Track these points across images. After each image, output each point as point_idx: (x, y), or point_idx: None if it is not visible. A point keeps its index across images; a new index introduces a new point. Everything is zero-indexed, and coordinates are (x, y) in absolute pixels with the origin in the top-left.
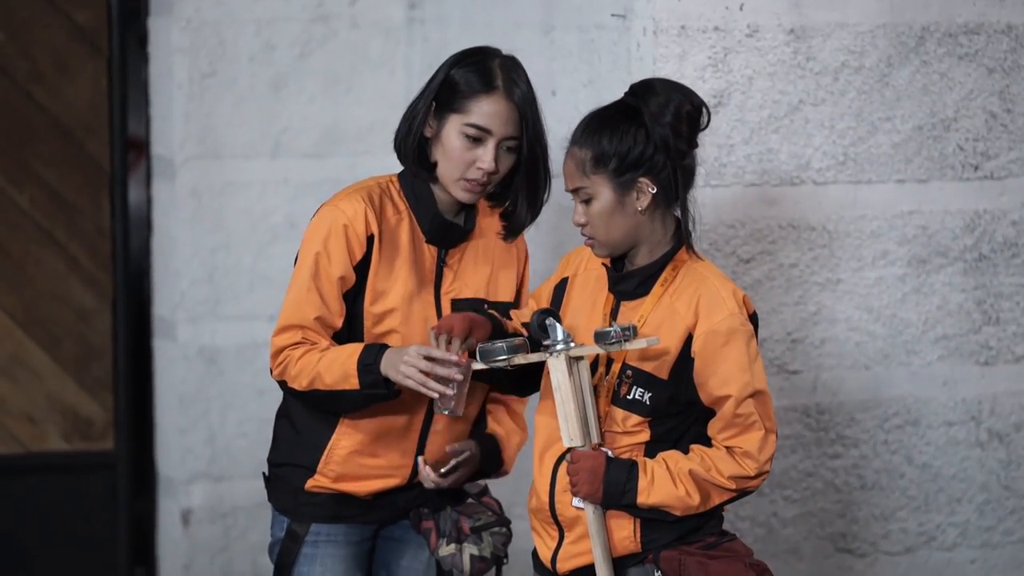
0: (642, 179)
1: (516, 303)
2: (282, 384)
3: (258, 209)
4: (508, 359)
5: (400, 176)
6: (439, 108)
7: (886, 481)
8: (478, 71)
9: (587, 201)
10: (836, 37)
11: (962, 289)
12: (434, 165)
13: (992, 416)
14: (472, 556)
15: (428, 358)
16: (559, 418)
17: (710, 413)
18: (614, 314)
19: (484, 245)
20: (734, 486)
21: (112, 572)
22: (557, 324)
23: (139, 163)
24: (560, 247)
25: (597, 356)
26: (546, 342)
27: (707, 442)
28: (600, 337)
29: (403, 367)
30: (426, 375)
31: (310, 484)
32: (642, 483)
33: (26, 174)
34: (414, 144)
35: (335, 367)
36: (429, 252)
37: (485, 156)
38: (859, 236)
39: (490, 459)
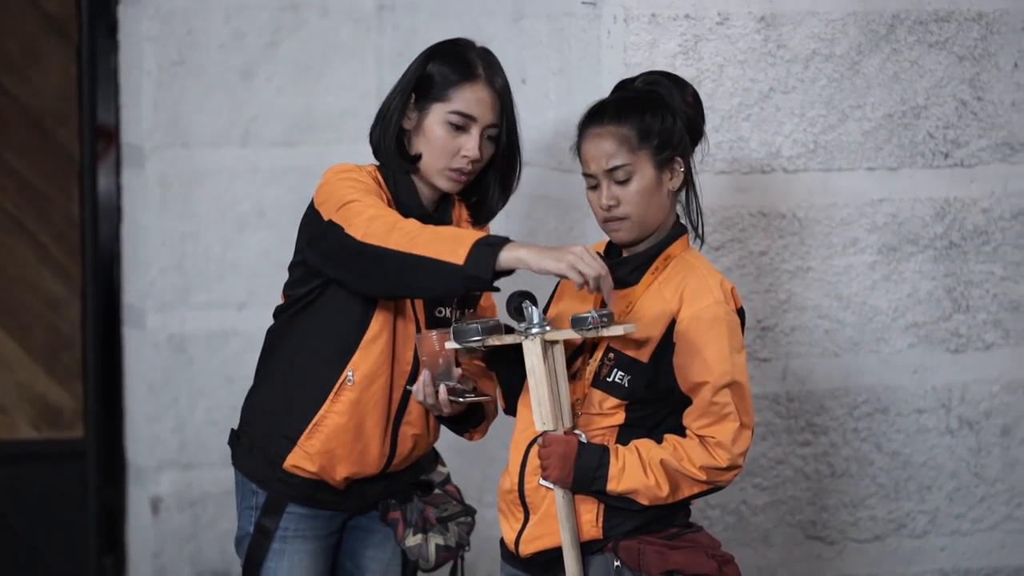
0: (677, 158)
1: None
2: (330, 226)
3: (227, 198)
4: (482, 340)
5: (380, 168)
6: (419, 99)
7: (856, 469)
8: (458, 61)
9: (624, 181)
10: (806, 25)
11: (932, 277)
12: (417, 157)
13: (962, 404)
14: (437, 546)
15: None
16: (532, 401)
17: (687, 403)
18: (604, 302)
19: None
20: (705, 477)
21: (81, 560)
22: (533, 307)
23: (108, 152)
24: (531, 236)
25: (584, 339)
26: (522, 325)
27: (683, 433)
28: (577, 323)
29: (575, 259)
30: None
31: (289, 463)
32: (612, 470)
33: None
34: (394, 136)
35: (442, 234)
36: None
37: (469, 144)
38: (829, 224)
39: (475, 411)
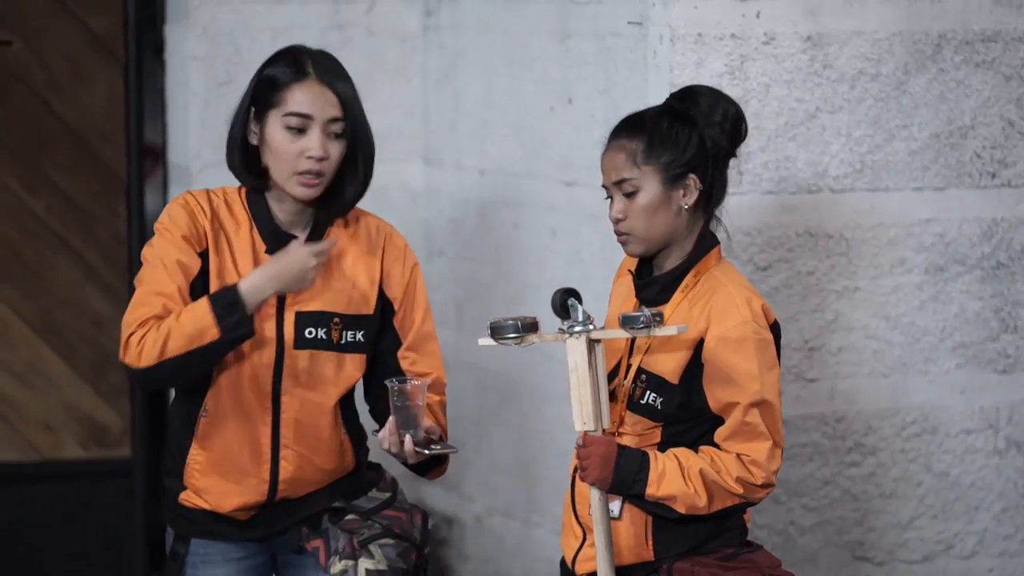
0: (691, 175)
1: (378, 314)
2: (127, 370)
3: None
4: (520, 337)
5: (242, 190)
6: (259, 112)
7: (904, 489)
8: (288, 63)
9: (631, 194)
10: (853, 45)
11: (980, 297)
12: (265, 170)
13: (1010, 424)
14: (368, 571)
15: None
16: (572, 401)
17: (719, 421)
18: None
19: (339, 258)
20: (740, 490)
21: None
22: (579, 304)
23: (155, 171)
24: (576, 255)
25: (618, 362)
26: (566, 323)
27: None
28: (627, 321)
29: (309, 273)
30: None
31: (182, 498)
32: (652, 475)
33: (42, 182)
34: (240, 154)
35: (186, 327)
36: None
37: (312, 142)
38: (876, 244)
39: (436, 458)
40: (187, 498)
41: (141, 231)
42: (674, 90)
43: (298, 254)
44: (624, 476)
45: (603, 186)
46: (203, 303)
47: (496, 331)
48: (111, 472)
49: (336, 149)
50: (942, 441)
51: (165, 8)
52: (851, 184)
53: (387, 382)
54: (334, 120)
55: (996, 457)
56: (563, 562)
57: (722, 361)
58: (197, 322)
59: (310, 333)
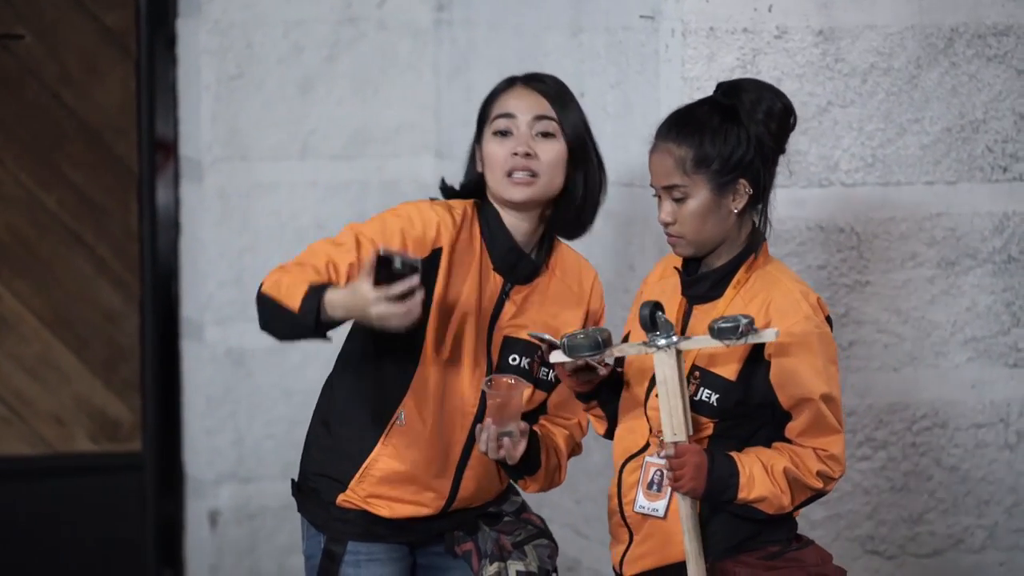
0: (741, 180)
1: None
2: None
3: (286, 211)
4: (599, 353)
5: (478, 205)
6: (478, 136)
7: (914, 483)
8: (502, 83)
9: (680, 199)
10: (865, 38)
11: (991, 291)
12: (483, 182)
13: (1021, 418)
14: (518, 572)
15: (390, 298)
16: (662, 413)
17: (784, 417)
18: (686, 318)
19: (554, 285)
20: (820, 485)
21: (140, 573)
22: (664, 316)
23: (167, 165)
24: (589, 249)
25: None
26: (652, 335)
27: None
28: (723, 332)
29: (379, 312)
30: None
31: (340, 499)
32: (742, 479)
33: (54, 176)
34: (472, 179)
35: (299, 284)
36: (494, 281)
37: (518, 137)
38: (888, 238)
39: (528, 454)
40: (348, 499)
41: (153, 225)
42: (685, 83)
43: (366, 295)
44: (717, 484)
45: (651, 186)
46: (308, 282)
47: (574, 349)
48: (121, 466)
49: (547, 149)
50: (953, 435)
51: (177, 2)
52: (862, 178)
53: (486, 379)
54: (540, 117)
55: (1007, 451)
56: (614, 568)
57: (789, 358)
58: (299, 286)
59: (514, 360)
